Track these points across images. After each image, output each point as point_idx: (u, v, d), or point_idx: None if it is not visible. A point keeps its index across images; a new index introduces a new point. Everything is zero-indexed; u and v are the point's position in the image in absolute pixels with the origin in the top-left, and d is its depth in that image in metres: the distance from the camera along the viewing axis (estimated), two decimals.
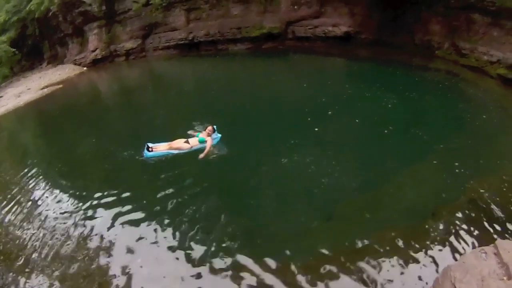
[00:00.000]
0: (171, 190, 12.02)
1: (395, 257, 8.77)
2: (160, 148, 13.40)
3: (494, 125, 17.47)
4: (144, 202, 11.84)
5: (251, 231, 10.06)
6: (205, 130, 13.74)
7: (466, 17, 28.59)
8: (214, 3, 30.56)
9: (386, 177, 12.24)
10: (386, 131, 15.26)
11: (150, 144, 13.48)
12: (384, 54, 28.42)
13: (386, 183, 11.88)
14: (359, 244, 9.25)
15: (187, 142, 13.37)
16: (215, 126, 14.10)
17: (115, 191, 12.52)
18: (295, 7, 31.40)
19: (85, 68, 35.19)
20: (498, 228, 9.52)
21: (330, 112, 17.18)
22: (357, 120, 16.32)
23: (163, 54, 30.15)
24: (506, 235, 9.04)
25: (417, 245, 9.13)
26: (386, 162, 13.23)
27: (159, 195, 11.92)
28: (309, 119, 16.01)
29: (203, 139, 13.36)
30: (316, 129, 15.16)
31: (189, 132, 14.60)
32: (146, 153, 13.32)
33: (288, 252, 9.20)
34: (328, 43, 30.85)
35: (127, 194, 12.35)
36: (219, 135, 14.12)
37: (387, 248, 9.05)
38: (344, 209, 10.70)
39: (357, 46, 30.30)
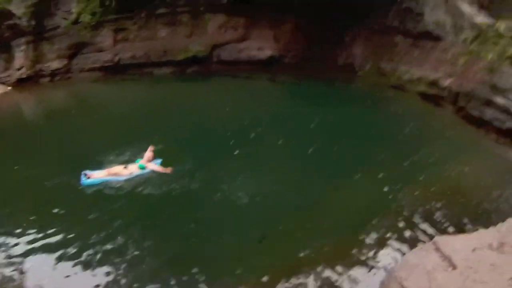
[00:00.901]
0: (105, 219, 11.08)
1: (336, 268, 8.63)
2: (98, 175, 12.46)
3: (415, 138, 18.18)
4: (77, 234, 10.68)
5: (185, 258, 9.68)
6: (144, 156, 13.17)
7: (388, 39, 28.02)
8: (142, 24, 28.69)
9: (314, 194, 12.08)
10: (310, 151, 14.99)
11: (87, 172, 12.52)
12: (308, 76, 27.96)
13: (315, 200, 11.75)
14: (297, 261, 9.01)
15: (126, 168, 12.57)
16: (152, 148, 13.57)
17: (44, 224, 11.24)
18: (222, 30, 29.58)
19: (9, 88, 32.19)
20: (426, 230, 9.89)
21: (253, 135, 16.74)
22: (280, 142, 16.14)
23: (88, 76, 27.99)
24: (428, 236, 9.37)
25: (355, 255, 9.10)
26: (314, 180, 13.09)
27: (91, 224, 10.96)
28: (232, 142, 15.60)
29: (143, 165, 12.67)
30: (236, 152, 14.76)
31: (130, 154, 14.07)
32: (84, 181, 12.31)
33: (223, 276, 8.88)
34: (253, 67, 29.73)
35: (56, 225, 11.09)
36: (160, 160, 13.45)
37: (326, 261, 8.86)
38: (277, 228, 10.43)
39: (282, 69, 29.95)
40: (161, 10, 28.21)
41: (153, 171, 12.73)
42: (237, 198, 11.77)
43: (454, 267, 5.07)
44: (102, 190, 12.29)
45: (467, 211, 10.95)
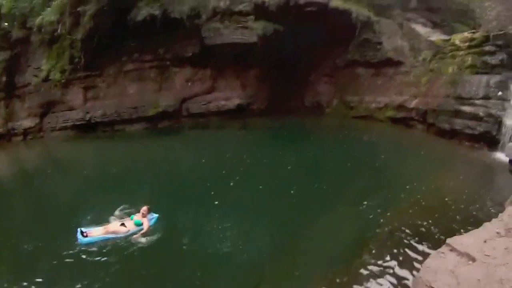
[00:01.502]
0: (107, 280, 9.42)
1: None
2: (96, 233, 11.32)
3: (393, 161, 18.12)
4: None
5: None
6: (139, 211, 12.03)
7: (350, 73, 28.41)
8: (111, 81, 28.11)
9: (303, 232, 11.22)
10: (292, 191, 14.14)
11: (83, 229, 11.36)
12: (277, 120, 27.63)
13: (304, 238, 10.93)
14: None
15: (123, 225, 11.58)
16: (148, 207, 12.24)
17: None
18: (189, 83, 29.44)
19: None
20: (421, 245, 9.44)
21: (232, 184, 15.60)
22: (260, 187, 15.13)
23: (61, 135, 27.09)
24: (430, 250, 8.64)
25: (358, 281, 8.31)
26: (300, 218, 12.13)
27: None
28: (212, 193, 14.18)
29: (139, 221, 11.69)
30: (216, 202, 13.48)
31: (116, 213, 12.59)
32: (81, 239, 11.02)
33: None
34: (222, 117, 29.15)
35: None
36: (156, 215, 12.39)
37: None
38: (272, 271, 9.47)
39: (251, 116, 29.32)
40: (129, 67, 27.78)
41: (149, 226, 11.83)
42: (227, 247, 10.84)
43: (473, 260, 5.03)
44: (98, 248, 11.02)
45: (456, 219, 10.63)
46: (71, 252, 10.53)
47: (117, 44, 26.20)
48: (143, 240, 11.08)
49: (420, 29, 24.21)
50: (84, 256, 10.33)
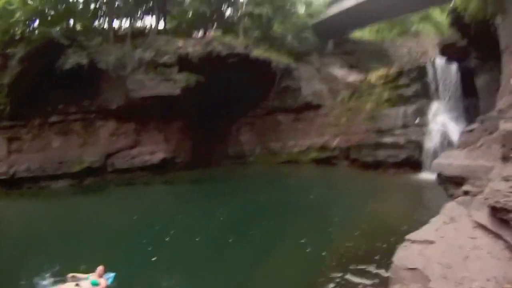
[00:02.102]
0: None
1: None
2: None
3: (322, 199, 18.28)
4: None
5: None
6: (95, 271, 10.98)
7: (272, 120, 29.01)
8: (35, 133, 26.53)
9: (250, 279, 10.66)
10: (230, 240, 13.83)
11: None
12: (202, 172, 27.57)
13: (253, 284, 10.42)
14: None
15: (78, 286, 10.49)
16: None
17: None
18: (114, 138, 28.31)
19: None
20: (370, 266, 9.54)
21: (167, 239, 14.92)
22: (197, 239, 14.49)
23: None
24: (375, 273, 9.09)
25: None
26: (245, 265, 11.76)
27: None
28: (149, 248, 13.40)
29: (95, 281, 10.75)
30: (154, 258, 12.62)
31: (70, 275, 11.09)
32: None
33: None
34: (147, 171, 28.16)
35: None
36: (113, 274, 11.31)
37: None
38: None
39: (176, 169, 28.53)
40: (54, 118, 26.49)
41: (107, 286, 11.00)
42: None
43: (432, 242, 5.79)
44: None
45: (398, 234, 9.84)
46: None
47: (43, 94, 25.21)
48: None
49: (337, 71, 25.57)
50: None
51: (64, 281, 10.92)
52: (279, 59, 25.79)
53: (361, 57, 28.01)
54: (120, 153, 28.07)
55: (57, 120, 26.27)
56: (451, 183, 8.98)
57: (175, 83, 26.08)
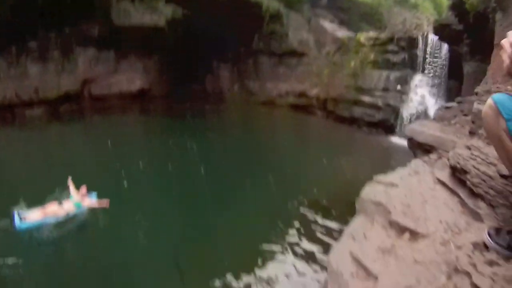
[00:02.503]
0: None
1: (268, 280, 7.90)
2: (34, 216, 10.13)
3: (295, 144, 18.96)
4: None
5: None
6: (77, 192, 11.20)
7: (253, 61, 28.86)
8: (12, 61, 25.13)
9: (216, 215, 11.12)
10: (203, 173, 14.12)
11: (21, 212, 10.12)
12: (180, 105, 27.18)
13: (218, 219, 10.87)
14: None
15: (61, 206, 10.57)
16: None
17: None
18: (92, 65, 27.56)
19: None
20: (329, 219, 10.08)
21: (140, 167, 15.04)
22: (169, 169, 14.84)
23: None
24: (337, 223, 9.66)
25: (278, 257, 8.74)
26: (211, 201, 12.07)
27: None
28: (125, 182, 13.20)
29: (79, 203, 10.86)
30: (126, 186, 12.94)
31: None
32: (20, 225, 9.81)
33: None
34: (124, 101, 27.91)
35: None
36: (94, 193, 11.57)
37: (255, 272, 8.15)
38: (191, 258, 9.10)
39: (153, 101, 28.56)
40: (32, 45, 25.17)
41: (90, 208, 11.06)
42: (146, 234, 10.23)
43: (397, 186, 6.36)
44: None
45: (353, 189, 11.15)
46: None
47: (22, 21, 23.77)
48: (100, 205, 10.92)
49: (327, 25, 25.16)
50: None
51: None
52: (270, 3, 25.39)
53: (354, 16, 27.62)
54: (98, 80, 27.53)
55: (35, 46, 25.19)
56: (420, 149, 9.46)
57: (161, 15, 25.56)
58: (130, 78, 28.24)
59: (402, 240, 4.91)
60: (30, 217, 10.14)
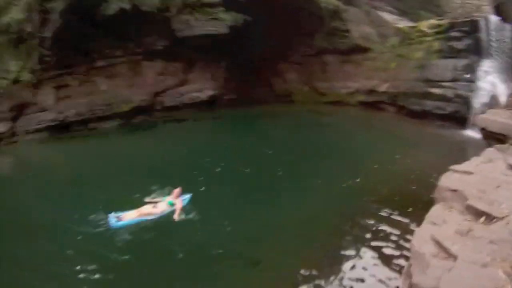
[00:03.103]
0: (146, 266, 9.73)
1: (344, 274, 8.52)
2: (129, 216, 11.58)
3: (368, 141, 19.48)
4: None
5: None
6: (171, 193, 12.48)
7: (319, 61, 29.62)
8: (82, 79, 27.56)
9: (292, 211, 11.99)
10: (280, 173, 15.28)
11: (117, 214, 11.57)
12: (250, 110, 28.64)
13: (294, 216, 11.61)
14: (295, 280, 8.41)
15: (155, 207, 11.95)
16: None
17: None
18: (161, 77, 29.63)
19: None
20: (405, 211, 10.69)
21: (218, 169, 16.29)
22: (246, 170, 15.93)
23: (35, 138, 25.56)
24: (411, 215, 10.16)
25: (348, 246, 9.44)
26: (287, 198, 13.16)
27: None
28: (200, 178, 14.68)
29: (172, 202, 12.09)
30: (202, 188, 13.89)
31: (148, 199, 12.63)
32: (115, 223, 11.25)
33: None
34: (195, 109, 29.68)
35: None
36: (188, 195, 12.80)
37: (330, 268, 8.77)
38: (266, 251, 9.86)
39: (223, 107, 29.91)
40: (100, 63, 27.63)
41: (182, 206, 12.29)
42: (225, 230, 11.27)
43: (471, 173, 7.08)
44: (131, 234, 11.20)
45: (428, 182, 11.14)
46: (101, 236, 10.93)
47: (87, 41, 26.24)
48: (179, 217, 11.64)
49: (387, 16, 25.53)
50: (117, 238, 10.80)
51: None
52: (328, 1, 25.96)
53: (412, 3, 27.63)
54: (168, 91, 29.32)
55: (103, 64, 27.22)
56: (494, 139, 9.83)
57: (222, 22, 26.63)
58: (200, 87, 29.88)
59: (478, 223, 5.63)
60: (125, 217, 11.49)
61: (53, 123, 26.07)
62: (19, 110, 26.36)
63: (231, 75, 30.87)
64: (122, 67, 28.12)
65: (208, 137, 23.49)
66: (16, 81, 25.95)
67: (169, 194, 12.61)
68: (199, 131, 25.55)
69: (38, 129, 25.93)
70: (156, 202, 12.23)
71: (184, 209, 12.08)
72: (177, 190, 12.45)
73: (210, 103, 29.82)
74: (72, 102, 27.02)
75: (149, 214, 11.76)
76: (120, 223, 11.31)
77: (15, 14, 24.90)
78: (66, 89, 27.17)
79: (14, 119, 26.19)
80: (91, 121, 27.04)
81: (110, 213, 11.62)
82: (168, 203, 12.16)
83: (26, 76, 25.92)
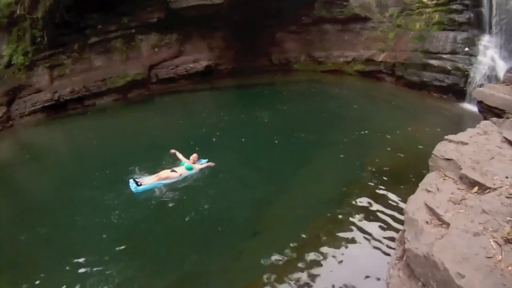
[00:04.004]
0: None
1: (344, 241, 8.88)
2: (149, 181, 12.29)
3: (366, 112, 19.56)
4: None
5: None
6: (189, 158, 13.29)
7: (317, 30, 29.85)
8: (77, 56, 27.41)
9: (291, 180, 12.38)
10: (276, 141, 15.56)
11: (137, 178, 12.30)
12: (247, 79, 28.93)
13: (294, 185, 12.05)
14: (299, 245, 8.88)
15: (174, 171, 12.60)
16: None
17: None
18: (156, 50, 29.69)
19: None
20: (400, 183, 10.99)
21: (214, 139, 16.73)
22: (243, 139, 16.23)
23: (31, 120, 25.45)
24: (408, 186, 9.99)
25: (355, 223, 9.49)
26: (286, 167, 13.40)
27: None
28: (197, 148, 14.49)
29: (190, 166, 12.88)
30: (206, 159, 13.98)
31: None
32: (136, 188, 11.90)
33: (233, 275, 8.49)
34: (192, 80, 29.97)
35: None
36: (204, 160, 13.60)
37: (330, 237, 9.09)
38: (265, 221, 10.25)
39: (221, 77, 30.31)
40: (93, 39, 27.54)
41: (200, 170, 13.04)
42: (219, 201, 11.63)
43: (466, 144, 7.33)
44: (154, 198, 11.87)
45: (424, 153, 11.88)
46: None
47: (79, 18, 26.26)
48: (203, 171, 12.82)
49: None
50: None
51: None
52: None
53: None
54: (164, 63, 29.48)
55: (97, 40, 27.17)
56: (490, 112, 10.08)
57: None
58: (196, 57, 29.98)
59: (471, 193, 5.86)
60: (145, 181, 12.13)
61: (48, 104, 26.08)
62: (13, 94, 26.28)
63: (228, 45, 30.98)
64: (116, 42, 28.05)
65: (203, 108, 23.71)
66: (9, 65, 25.96)
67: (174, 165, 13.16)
68: (194, 102, 25.83)
69: (34, 111, 25.79)
70: (173, 168, 12.76)
71: (204, 171, 12.99)
72: (194, 155, 13.23)
73: (207, 74, 30.02)
74: (66, 81, 27.01)
75: (168, 178, 12.32)
76: (141, 187, 11.91)
77: None
78: (60, 68, 27.09)
79: (9, 103, 26.16)
80: (87, 98, 27.17)
81: (130, 179, 12.24)
82: (186, 168, 12.81)
83: (19, 59, 25.81)
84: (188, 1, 26.75)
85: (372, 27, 26.16)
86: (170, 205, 11.34)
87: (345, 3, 27.00)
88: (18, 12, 24.83)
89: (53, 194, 13.79)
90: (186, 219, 10.62)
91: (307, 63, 30.24)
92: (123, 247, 9.57)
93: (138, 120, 23.01)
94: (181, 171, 12.71)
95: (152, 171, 12.95)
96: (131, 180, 12.18)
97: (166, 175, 12.41)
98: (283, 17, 29.69)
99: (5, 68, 25.84)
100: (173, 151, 13.66)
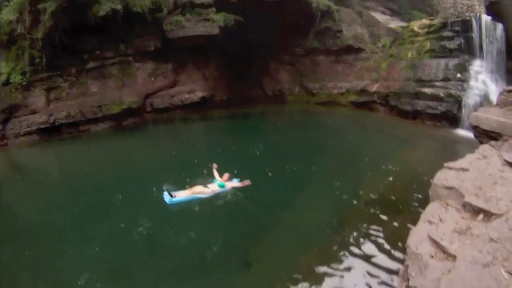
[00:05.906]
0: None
1: (339, 272, 8.33)
2: (182, 194, 12.51)
3: (360, 142, 19.25)
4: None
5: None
6: (221, 177, 13.42)
7: (311, 61, 29.68)
8: (73, 80, 27.03)
9: (285, 211, 11.84)
10: (270, 174, 14.83)
11: (172, 191, 12.51)
12: (241, 110, 28.74)
13: (288, 215, 11.53)
14: (292, 278, 8.27)
15: (206, 187, 12.78)
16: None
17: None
18: (152, 78, 29.29)
19: None
20: (396, 212, 10.44)
21: (205, 171, 15.33)
22: (235, 171, 14.83)
23: (25, 141, 24.97)
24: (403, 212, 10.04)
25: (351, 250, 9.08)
26: (279, 198, 12.97)
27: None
28: (187, 180, 13.90)
29: (222, 184, 12.98)
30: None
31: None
32: (170, 199, 12.13)
33: None
34: (186, 110, 29.56)
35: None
36: (237, 180, 13.49)
37: (324, 269, 8.49)
38: (259, 252, 9.68)
39: (214, 107, 30.01)
40: (91, 64, 27.13)
41: (233, 188, 13.02)
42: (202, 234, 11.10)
43: (467, 170, 7.00)
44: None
45: (422, 181, 11.66)
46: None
47: (78, 42, 25.98)
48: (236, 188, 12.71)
49: (379, 16, 25.61)
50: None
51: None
52: (319, 1, 25.98)
53: (404, 3, 27.81)
54: (159, 93, 29.07)
55: (94, 66, 26.86)
56: (486, 136, 9.76)
57: (213, 23, 26.51)
58: (191, 88, 29.71)
59: (477, 221, 5.42)
60: (179, 194, 12.25)
61: (43, 126, 25.56)
62: (9, 113, 25.85)
63: (222, 75, 30.86)
64: (113, 68, 27.74)
65: (196, 138, 23.54)
66: (6, 83, 25.59)
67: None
68: (188, 132, 25.45)
69: (29, 132, 25.35)
70: (206, 185, 12.90)
71: (236, 189, 12.90)
72: (226, 175, 13.29)
73: (201, 104, 29.66)
74: (62, 104, 26.53)
75: (200, 192, 12.51)
76: (175, 199, 12.13)
77: (6, 14, 24.63)
78: (57, 90, 26.67)
79: (4, 122, 25.68)
80: (81, 124, 26.69)
81: (164, 191, 12.44)
82: (219, 185, 12.90)
83: (16, 78, 25.51)
84: (184, 31, 26.66)
85: (365, 57, 26.09)
86: (151, 232, 11.07)
87: (338, 35, 26.95)
88: (18, 30, 24.72)
89: (40, 216, 13.33)
90: (178, 245, 10.33)
91: (301, 94, 30.06)
92: (105, 276, 9.04)
93: (131, 148, 22.57)
94: (213, 187, 12.86)
95: (138, 201, 12.96)
96: (165, 192, 12.40)
97: (199, 190, 12.62)
98: (275, 48, 29.71)
99: (2, 85, 25.45)
100: (215, 165, 13.91)
